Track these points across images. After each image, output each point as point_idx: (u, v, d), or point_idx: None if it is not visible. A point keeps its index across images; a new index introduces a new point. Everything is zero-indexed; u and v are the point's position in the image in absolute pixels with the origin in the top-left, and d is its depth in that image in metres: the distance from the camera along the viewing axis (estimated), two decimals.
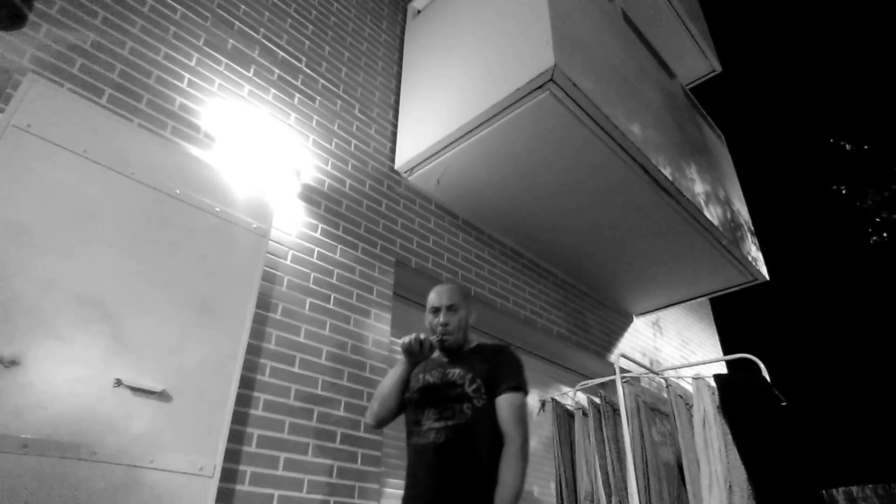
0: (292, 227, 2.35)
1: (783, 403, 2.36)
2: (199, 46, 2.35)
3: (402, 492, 1.71)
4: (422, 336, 1.75)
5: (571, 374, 3.91)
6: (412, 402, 1.75)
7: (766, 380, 2.43)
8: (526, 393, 1.68)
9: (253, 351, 1.98)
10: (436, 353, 1.86)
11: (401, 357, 1.84)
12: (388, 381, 1.81)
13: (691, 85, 5.21)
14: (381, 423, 1.83)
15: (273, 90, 2.57)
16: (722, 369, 4.93)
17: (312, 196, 2.49)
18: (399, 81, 3.32)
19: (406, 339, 1.76)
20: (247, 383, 1.93)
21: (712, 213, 3.35)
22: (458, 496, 1.53)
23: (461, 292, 1.87)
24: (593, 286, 4.05)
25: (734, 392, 2.40)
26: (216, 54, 2.40)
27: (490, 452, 1.57)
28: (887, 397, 10.95)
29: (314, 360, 2.18)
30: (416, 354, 1.75)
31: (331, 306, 2.34)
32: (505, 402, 1.62)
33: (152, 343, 1.65)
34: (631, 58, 3.16)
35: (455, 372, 1.71)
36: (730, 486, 2.22)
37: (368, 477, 2.16)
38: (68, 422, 1.42)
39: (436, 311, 1.82)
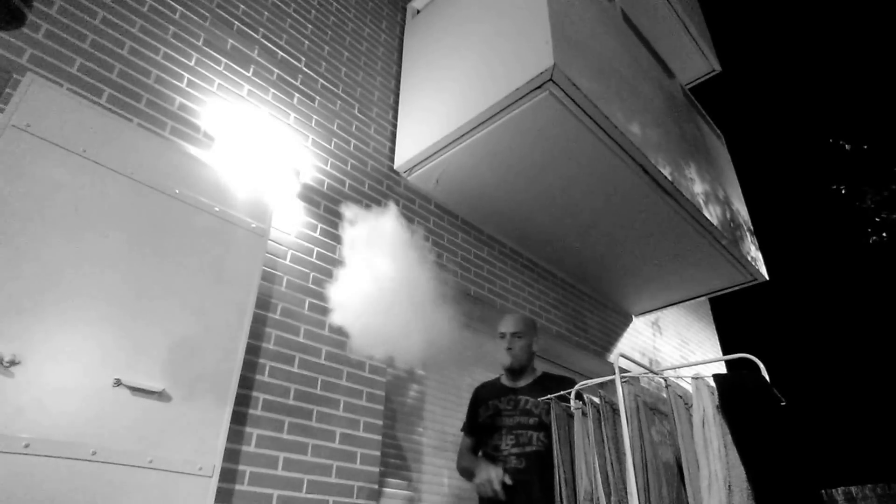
0: (291, 226, 2.35)
1: (783, 403, 2.36)
2: (199, 46, 2.35)
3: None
4: (496, 486, 1.82)
5: (571, 373, 3.91)
6: (491, 427, 1.97)
7: (765, 380, 2.43)
8: None
9: (252, 351, 1.98)
10: (502, 377, 2.13)
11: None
12: (464, 473, 2.09)
13: (691, 85, 5.21)
14: None
15: (272, 90, 2.57)
16: (721, 369, 4.93)
17: (312, 196, 2.49)
18: (398, 81, 3.32)
19: (481, 484, 1.84)
20: (246, 383, 1.93)
21: (712, 213, 3.35)
22: None
23: (525, 322, 2.16)
24: (592, 286, 4.04)
25: (734, 392, 2.39)
26: (215, 54, 2.40)
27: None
28: (887, 397, 10.95)
29: (313, 360, 2.18)
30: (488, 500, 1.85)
31: (330, 306, 2.34)
32: None
33: (152, 343, 1.65)
34: (630, 58, 3.15)
35: (528, 400, 1.97)
36: (729, 486, 2.21)
37: (368, 477, 2.16)
38: (68, 421, 1.43)
39: (502, 335, 2.12)
